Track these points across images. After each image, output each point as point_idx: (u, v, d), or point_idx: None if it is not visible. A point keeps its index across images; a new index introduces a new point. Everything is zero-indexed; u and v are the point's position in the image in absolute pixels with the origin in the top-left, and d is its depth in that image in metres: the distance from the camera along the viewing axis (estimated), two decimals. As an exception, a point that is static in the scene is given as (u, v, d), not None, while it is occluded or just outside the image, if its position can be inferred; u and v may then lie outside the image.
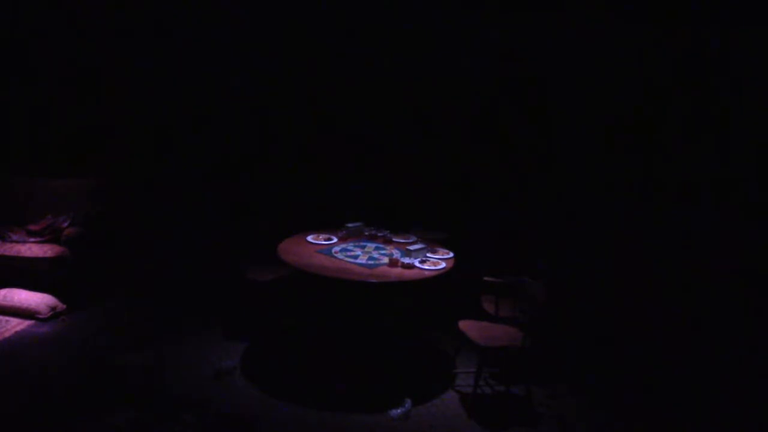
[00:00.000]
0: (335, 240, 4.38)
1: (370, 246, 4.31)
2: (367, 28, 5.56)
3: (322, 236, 4.41)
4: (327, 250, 4.14)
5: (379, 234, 4.54)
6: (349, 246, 4.27)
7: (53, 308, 4.58)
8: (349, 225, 4.55)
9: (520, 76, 5.39)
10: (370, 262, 3.95)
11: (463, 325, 3.71)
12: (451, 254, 4.13)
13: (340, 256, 4.04)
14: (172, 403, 3.41)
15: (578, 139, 5.32)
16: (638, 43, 4.98)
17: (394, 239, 4.46)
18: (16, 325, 4.41)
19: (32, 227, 5.05)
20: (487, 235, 5.40)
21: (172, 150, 6.01)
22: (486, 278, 4.02)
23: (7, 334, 4.26)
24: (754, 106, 4.66)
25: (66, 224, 5.00)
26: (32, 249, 4.78)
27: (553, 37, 5.17)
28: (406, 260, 3.89)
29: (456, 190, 5.64)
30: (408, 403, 3.51)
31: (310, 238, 4.36)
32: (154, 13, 5.75)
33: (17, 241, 4.90)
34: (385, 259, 3.97)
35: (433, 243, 4.38)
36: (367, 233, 4.55)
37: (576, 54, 5.18)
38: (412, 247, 4.14)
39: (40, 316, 4.50)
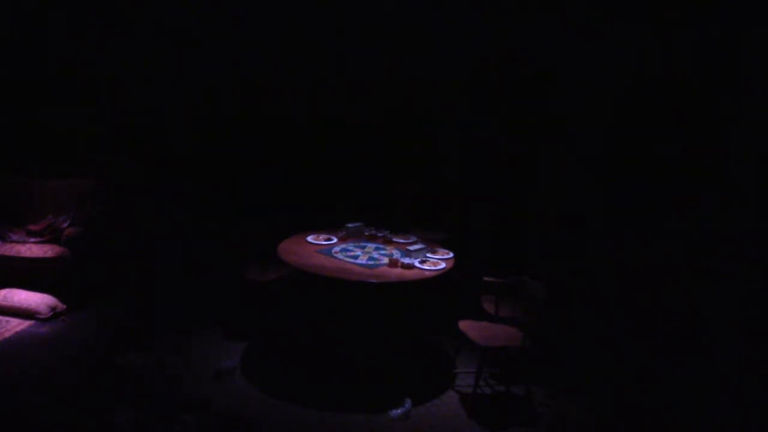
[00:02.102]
0: (335, 240, 4.38)
1: (370, 246, 4.31)
2: (367, 28, 5.56)
3: (322, 236, 4.42)
4: (327, 251, 4.14)
5: (379, 234, 4.55)
6: (349, 246, 4.27)
7: (53, 308, 4.58)
8: (349, 225, 4.55)
9: (519, 75, 5.39)
10: (370, 262, 3.95)
11: (463, 325, 3.71)
12: (451, 254, 4.14)
13: (340, 256, 4.04)
14: (172, 403, 3.41)
15: (577, 138, 5.32)
16: (639, 42, 4.98)
17: (394, 239, 4.47)
18: (16, 325, 4.41)
19: (32, 227, 5.05)
20: (487, 235, 5.40)
21: (172, 150, 6.01)
22: (486, 278, 4.02)
23: (7, 335, 4.26)
24: (757, 106, 4.66)
25: (66, 224, 5.00)
26: (32, 249, 4.78)
27: (552, 36, 5.17)
28: (406, 260, 3.89)
29: (455, 190, 5.64)
30: (408, 403, 3.51)
31: (310, 239, 4.36)
32: (153, 13, 5.75)
33: (17, 241, 4.90)
34: (385, 260, 3.97)
35: (433, 243, 4.39)
36: (367, 233, 4.55)
37: (576, 53, 5.18)
38: (412, 248, 4.14)
39: (40, 316, 4.50)
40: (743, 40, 4.62)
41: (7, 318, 4.50)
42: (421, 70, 5.55)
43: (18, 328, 4.37)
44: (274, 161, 5.92)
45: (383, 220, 4.78)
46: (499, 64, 5.40)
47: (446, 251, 4.18)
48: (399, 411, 3.44)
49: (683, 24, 4.79)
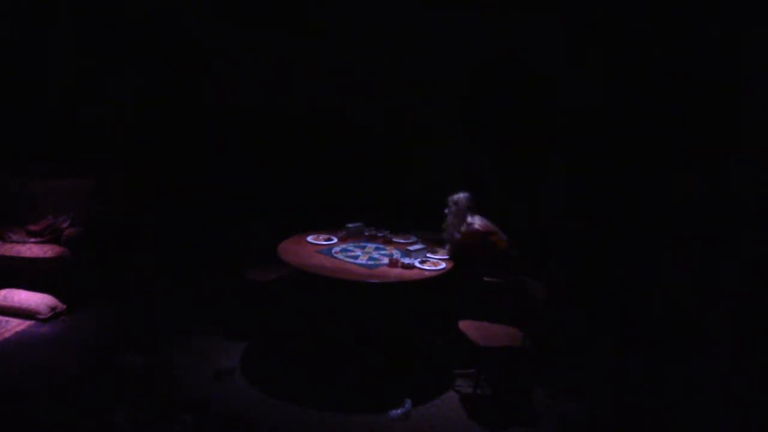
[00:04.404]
0: (335, 240, 4.38)
1: (370, 246, 4.31)
2: (366, 28, 5.56)
3: (322, 236, 4.42)
4: (327, 251, 4.14)
5: (379, 234, 4.54)
6: (349, 246, 4.27)
7: (53, 308, 4.58)
8: (349, 225, 4.55)
9: (518, 75, 5.39)
10: (370, 262, 3.95)
11: (463, 325, 3.71)
12: (451, 254, 4.14)
13: (340, 256, 4.04)
14: (172, 403, 3.41)
15: (575, 137, 5.32)
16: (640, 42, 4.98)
17: (394, 239, 4.47)
18: (16, 325, 4.41)
19: (32, 227, 5.05)
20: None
21: (171, 149, 6.00)
22: (486, 278, 4.02)
23: (7, 335, 4.26)
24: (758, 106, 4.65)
25: (66, 224, 5.00)
26: (32, 249, 4.78)
27: (552, 36, 5.16)
28: (406, 260, 3.89)
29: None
30: (408, 403, 3.51)
31: (310, 239, 4.36)
32: (151, 13, 5.75)
33: (17, 242, 4.90)
34: (385, 260, 3.97)
35: (433, 243, 4.38)
36: (367, 233, 4.55)
37: (576, 52, 5.18)
38: (412, 248, 4.14)
39: (40, 316, 4.50)
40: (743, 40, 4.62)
41: (7, 318, 4.50)
42: (421, 70, 5.55)
43: (18, 328, 4.37)
44: (274, 161, 5.92)
45: (383, 220, 4.78)
46: (499, 65, 5.39)
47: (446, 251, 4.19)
48: (399, 411, 3.44)
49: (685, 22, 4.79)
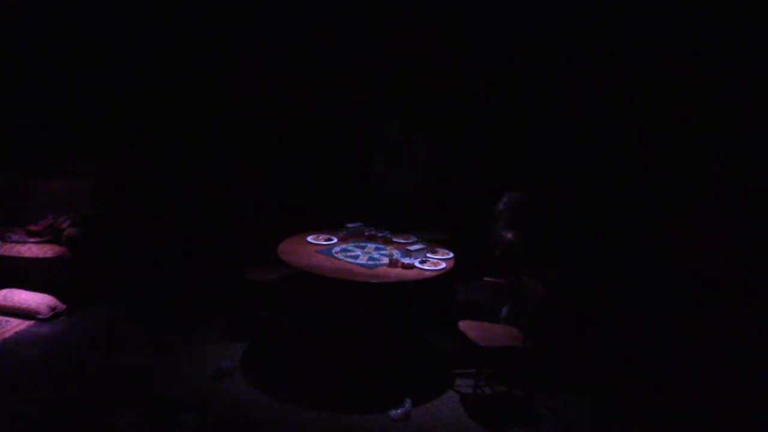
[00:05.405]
0: (335, 240, 4.38)
1: (370, 246, 4.31)
2: (364, 26, 5.56)
3: (322, 236, 4.42)
4: (327, 251, 4.14)
5: (379, 234, 4.54)
6: (349, 246, 4.27)
7: (53, 308, 4.58)
8: (349, 225, 4.55)
9: (516, 74, 5.39)
10: (370, 262, 3.95)
11: (463, 325, 3.71)
12: (451, 254, 4.14)
13: (340, 256, 4.04)
14: (172, 403, 3.40)
15: (575, 136, 5.32)
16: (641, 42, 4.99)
17: (394, 239, 4.47)
18: (16, 325, 4.41)
19: (32, 227, 5.05)
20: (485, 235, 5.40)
21: (171, 149, 6.00)
22: (486, 278, 4.02)
23: (7, 335, 4.26)
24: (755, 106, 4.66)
25: (66, 224, 5.00)
26: (32, 249, 4.78)
27: (554, 36, 5.16)
28: (406, 260, 3.89)
29: (455, 190, 5.64)
30: (408, 403, 3.51)
31: (310, 239, 4.36)
32: (151, 13, 5.76)
33: (17, 242, 4.90)
34: (385, 260, 3.97)
35: (432, 243, 4.38)
36: (367, 233, 4.55)
37: (575, 51, 5.19)
38: (412, 248, 4.14)
39: (40, 316, 4.50)
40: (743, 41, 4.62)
41: (7, 318, 4.50)
42: (423, 69, 5.55)
43: (18, 328, 4.37)
44: (274, 161, 5.92)
45: (383, 220, 4.78)
46: (499, 63, 5.40)
47: (446, 251, 4.19)
48: (399, 411, 3.44)
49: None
